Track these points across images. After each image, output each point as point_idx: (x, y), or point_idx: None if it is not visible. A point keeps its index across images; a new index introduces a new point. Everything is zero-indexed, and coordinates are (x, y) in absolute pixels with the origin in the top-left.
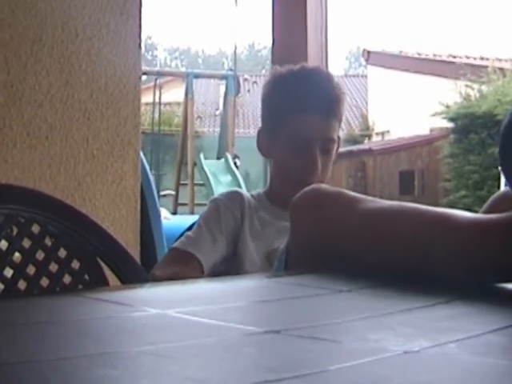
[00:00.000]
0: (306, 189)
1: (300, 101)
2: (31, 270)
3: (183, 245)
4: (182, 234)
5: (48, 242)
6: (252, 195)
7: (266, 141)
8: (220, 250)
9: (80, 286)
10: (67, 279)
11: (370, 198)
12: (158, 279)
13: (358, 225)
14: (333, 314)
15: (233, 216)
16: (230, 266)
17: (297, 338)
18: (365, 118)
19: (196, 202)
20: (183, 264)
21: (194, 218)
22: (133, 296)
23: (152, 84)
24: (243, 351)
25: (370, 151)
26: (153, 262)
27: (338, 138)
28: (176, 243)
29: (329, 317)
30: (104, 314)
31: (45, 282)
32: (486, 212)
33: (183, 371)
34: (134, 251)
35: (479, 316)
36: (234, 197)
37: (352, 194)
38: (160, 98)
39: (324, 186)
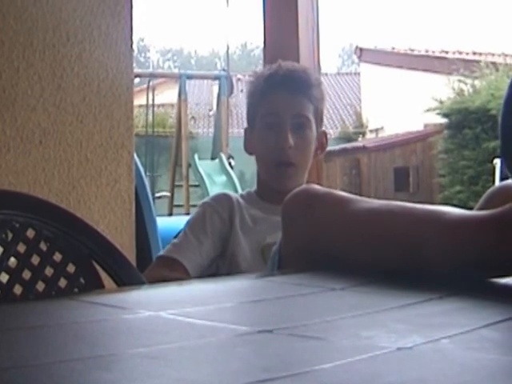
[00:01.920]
0: (297, 189)
1: (267, 82)
2: (27, 274)
3: (168, 252)
4: (176, 236)
5: (43, 246)
6: (242, 195)
7: (249, 136)
8: (206, 253)
9: (76, 290)
10: (63, 283)
11: (359, 197)
12: None
13: (348, 226)
14: (325, 312)
15: (220, 218)
16: (221, 266)
17: (289, 337)
18: (358, 116)
19: (191, 203)
20: (169, 269)
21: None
22: (126, 298)
23: (145, 86)
24: (236, 351)
25: (364, 148)
26: (148, 264)
27: (325, 134)
28: (162, 251)
29: (321, 315)
30: (98, 317)
31: (40, 286)
32: (482, 207)
33: (177, 373)
34: (130, 254)
35: (472, 311)
36: (220, 199)
37: (342, 194)
38: (153, 100)
39: (314, 186)
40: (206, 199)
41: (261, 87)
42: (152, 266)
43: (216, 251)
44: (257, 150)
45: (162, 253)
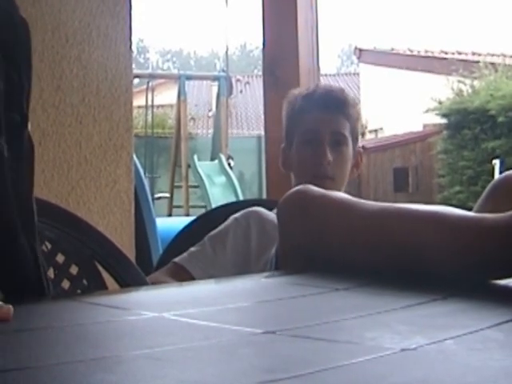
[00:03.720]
0: (292, 190)
1: (305, 100)
2: None
3: (182, 259)
4: (175, 237)
5: (45, 247)
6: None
7: (286, 154)
8: (221, 265)
9: (79, 291)
10: (66, 284)
11: (355, 199)
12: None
13: (346, 228)
14: (329, 312)
15: (244, 234)
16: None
17: (293, 338)
18: None
19: (191, 203)
20: (173, 276)
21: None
22: (129, 300)
23: (144, 87)
24: (240, 353)
25: (363, 149)
26: (148, 265)
27: (360, 153)
28: (177, 257)
29: (325, 316)
30: (101, 319)
31: None
32: (486, 198)
33: (180, 374)
34: (129, 254)
35: (475, 312)
36: (249, 215)
37: (338, 195)
38: (153, 101)
39: (310, 187)
40: (237, 214)
41: (298, 106)
42: (163, 269)
43: (237, 267)
44: (294, 165)
45: (176, 259)
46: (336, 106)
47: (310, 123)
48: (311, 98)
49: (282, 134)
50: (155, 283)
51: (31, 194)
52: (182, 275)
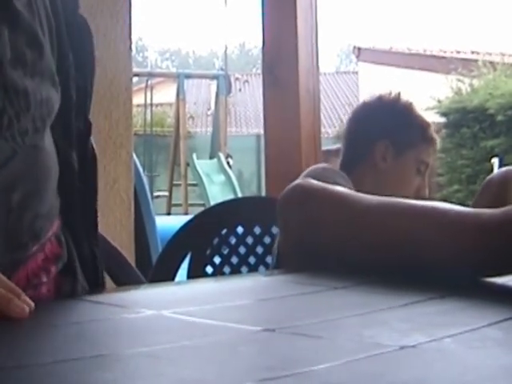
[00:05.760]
0: (293, 184)
1: (430, 134)
2: None
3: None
4: (175, 235)
5: None
6: None
7: (388, 153)
8: None
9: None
10: None
11: (356, 193)
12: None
13: (347, 224)
14: (328, 311)
15: None
16: None
17: (292, 336)
18: None
19: (190, 202)
20: None
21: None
22: (128, 298)
23: (143, 85)
24: (239, 350)
25: None
26: (147, 264)
27: None
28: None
29: (324, 314)
30: (99, 317)
31: None
32: (482, 193)
33: (179, 372)
34: (129, 253)
35: (474, 310)
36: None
37: (339, 189)
38: (151, 99)
39: (311, 180)
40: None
41: (427, 135)
42: None
43: None
44: (393, 176)
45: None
46: None
47: (427, 156)
48: (434, 135)
49: (389, 129)
50: None
51: (95, 202)
52: None
